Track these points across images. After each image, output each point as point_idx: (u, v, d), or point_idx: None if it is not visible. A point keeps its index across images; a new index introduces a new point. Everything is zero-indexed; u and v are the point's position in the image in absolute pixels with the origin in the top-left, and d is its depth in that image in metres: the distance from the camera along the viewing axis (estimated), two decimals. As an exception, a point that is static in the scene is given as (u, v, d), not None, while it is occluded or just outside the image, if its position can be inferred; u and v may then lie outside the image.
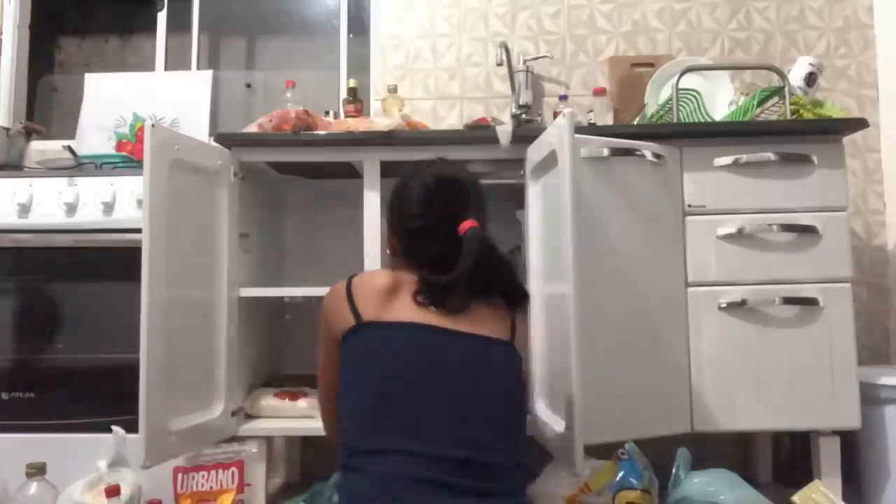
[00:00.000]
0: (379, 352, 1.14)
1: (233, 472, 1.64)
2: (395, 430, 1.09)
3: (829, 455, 1.66)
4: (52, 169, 2.00)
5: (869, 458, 1.78)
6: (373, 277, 1.23)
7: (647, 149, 1.63)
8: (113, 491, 1.61)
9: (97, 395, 1.84)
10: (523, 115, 2.29)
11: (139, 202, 1.84)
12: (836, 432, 1.67)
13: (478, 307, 1.21)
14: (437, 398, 1.10)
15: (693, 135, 1.73)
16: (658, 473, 1.59)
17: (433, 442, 1.07)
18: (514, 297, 1.27)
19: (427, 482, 1.05)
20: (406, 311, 1.17)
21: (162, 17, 2.59)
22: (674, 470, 1.57)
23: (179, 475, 1.62)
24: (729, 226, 1.68)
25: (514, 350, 1.22)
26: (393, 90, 2.26)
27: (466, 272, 1.16)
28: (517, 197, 1.82)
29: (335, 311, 1.21)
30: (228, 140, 1.80)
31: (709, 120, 1.90)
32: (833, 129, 1.72)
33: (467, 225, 1.21)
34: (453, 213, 1.23)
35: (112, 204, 1.87)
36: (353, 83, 2.26)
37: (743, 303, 1.66)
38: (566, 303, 1.35)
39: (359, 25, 2.54)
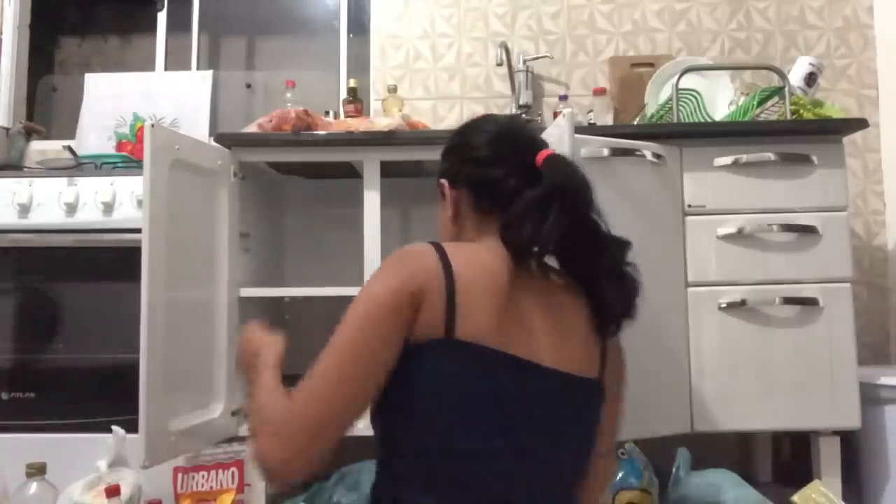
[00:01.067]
0: (481, 388, 0.85)
1: (233, 472, 1.64)
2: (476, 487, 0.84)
3: (829, 455, 1.66)
4: (52, 169, 2.00)
5: (869, 458, 1.78)
6: (484, 267, 0.88)
7: (647, 149, 1.63)
8: (113, 491, 1.61)
9: (97, 395, 1.84)
10: (523, 115, 2.28)
11: (139, 202, 1.84)
12: (836, 432, 1.67)
13: (567, 308, 0.92)
14: (522, 449, 0.87)
15: (693, 135, 1.73)
16: (658, 473, 1.59)
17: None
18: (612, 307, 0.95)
19: None
20: (521, 343, 0.87)
21: (162, 17, 2.59)
22: (674, 469, 1.57)
23: (179, 475, 1.62)
24: (729, 226, 1.68)
25: (600, 389, 0.95)
26: (393, 90, 2.26)
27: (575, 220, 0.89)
28: (517, 197, 1.81)
29: (422, 300, 0.84)
30: (228, 140, 1.80)
31: (709, 120, 1.90)
32: (833, 129, 1.72)
33: (545, 153, 0.96)
34: (532, 145, 0.99)
35: (112, 204, 1.87)
36: (353, 83, 2.26)
37: (743, 303, 1.66)
38: (566, 303, 1.35)
39: (359, 25, 2.54)
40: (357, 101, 2.24)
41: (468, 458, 0.83)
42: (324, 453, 0.84)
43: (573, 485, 0.96)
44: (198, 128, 2.35)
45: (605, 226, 0.97)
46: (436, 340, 0.83)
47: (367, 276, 1.56)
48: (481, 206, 0.98)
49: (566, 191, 0.92)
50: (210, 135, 2.30)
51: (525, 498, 0.87)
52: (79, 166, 1.97)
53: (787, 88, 1.80)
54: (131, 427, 1.58)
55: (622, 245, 0.97)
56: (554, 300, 0.93)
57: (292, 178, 2.21)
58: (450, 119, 2.39)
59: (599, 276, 0.94)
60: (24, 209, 1.87)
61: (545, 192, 0.90)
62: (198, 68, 2.56)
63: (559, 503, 0.92)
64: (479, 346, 0.83)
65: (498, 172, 0.96)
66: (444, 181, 1.04)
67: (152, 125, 1.49)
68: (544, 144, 1.00)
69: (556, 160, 0.95)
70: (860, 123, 1.73)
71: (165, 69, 2.56)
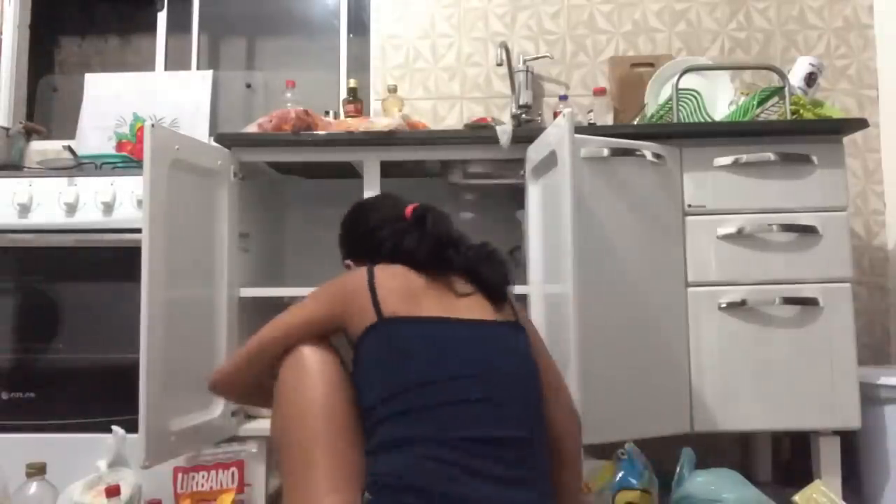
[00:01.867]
0: (405, 347, 1.10)
1: (233, 472, 1.64)
2: (425, 419, 1.05)
3: (829, 455, 1.66)
4: (52, 169, 1.99)
5: (869, 458, 1.78)
6: (393, 272, 1.19)
7: (647, 149, 1.63)
8: (113, 491, 1.61)
9: (97, 395, 1.84)
10: (523, 115, 2.29)
11: (139, 202, 1.84)
12: (836, 432, 1.67)
13: (477, 294, 1.20)
14: (461, 386, 1.08)
15: (693, 135, 1.73)
16: (658, 473, 1.59)
17: (461, 427, 1.05)
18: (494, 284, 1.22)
19: (455, 466, 1.02)
20: (426, 304, 1.15)
21: (162, 17, 2.59)
22: (678, 469, 1.57)
23: (179, 475, 1.62)
24: (729, 226, 1.68)
25: (522, 330, 1.21)
26: (393, 90, 2.26)
27: (436, 235, 1.20)
28: (517, 197, 1.82)
29: (355, 298, 1.15)
30: (228, 140, 1.80)
31: (709, 120, 1.90)
32: (833, 129, 1.72)
33: (411, 207, 1.27)
34: (401, 211, 1.29)
35: (112, 204, 1.87)
36: (353, 83, 2.26)
37: (743, 303, 1.66)
38: (566, 303, 1.36)
39: (359, 25, 2.54)
40: (357, 101, 2.24)
41: (418, 389, 1.07)
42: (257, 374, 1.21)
43: (532, 416, 1.13)
44: (198, 128, 2.35)
45: (465, 237, 1.28)
46: (372, 325, 1.12)
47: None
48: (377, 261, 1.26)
49: (429, 221, 1.24)
50: (210, 135, 2.30)
51: (476, 414, 1.06)
52: (79, 166, 1.97)
53: (787, 88, 1.80)
54: (131, 427, 1.58)
55: (482, 244, 1.26)
56: (453, 287, 1.20)
57: (292, 178, 2.21)
58: (450, 119, 2.40)
59: (474, 264, 1.22)
60: (24, 209, 1.87)
61: (418, 228, 1.24)
62: (198, 68, 2.56)
63: (514, 421, 1.09)
64: (401, 316, 1.13)
65: (384, 234, 1.27)
66: (349, 261, 1.39)
67: (152, 125, 1.49)
68: (408, 203, 1.31)
69: (419, 209, 1.27)
70: (860, 123, 1.73)
71: (165, 69, 2.56)
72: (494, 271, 1.22)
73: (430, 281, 1.18)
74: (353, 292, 1.16)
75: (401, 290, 1.15)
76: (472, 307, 1.17)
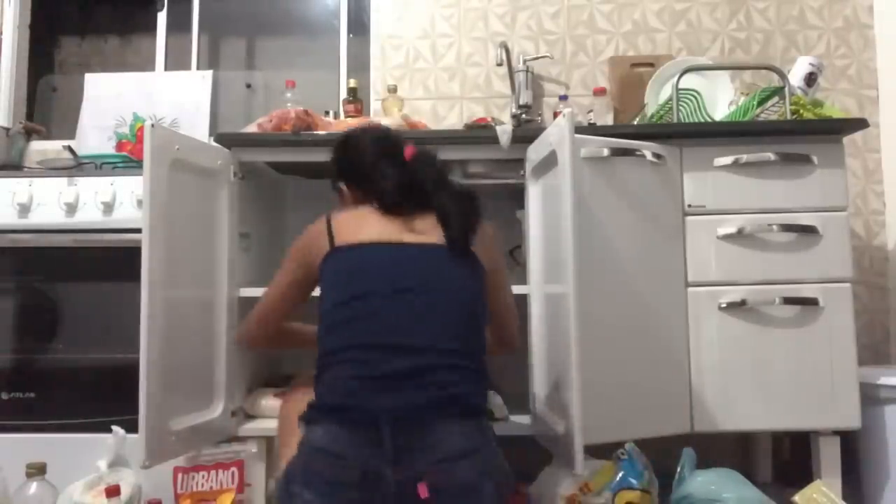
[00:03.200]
0: (351, 267, 1.26)
1: (233, 472, 1.64)
2: (362, 332, 1.19)
3: (829, 455, 1.66)
4: (52, 169, 1.99)
5: (869, 458, 1.78)
6: (351, 214, 1.35)
7: (647, 149, 1.63)
8: (113, 491, 1.61)
9: (97, 395, 1.84)
10: (523, 115, 2.29)
11: (139, 202, 1.84)
12: (836, 432, 1.67)
13: (433, 221, 1.31)
14: (399, 303, 1.21)
15: (693, 135, 1.73)
16: (658, 473, 1.59)
17: (395, 338, 1.18)
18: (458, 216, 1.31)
19: (383, 378, 1.15)
20: (374, 232, 1.29)
21: (162, 17, 2.59)
22: (678, 469, 1.57)
23: (179, 475, 1.62)
24: (729, 226, 1.68)
25: (472, 258, 1.30)
26: (393, 90, 2.26)
27: (421, 182, 1.32)
28: (517, 197, 1.82)
29: (315, 239, 1.32)
30: (228, 140, 1.80)
31: (709, 120, 1.90)
32: (833, 129, 1.72)
33: (411, 150, 1.38)
34: (399, 148, 1.39)
35: (112, 204, 1.87)
36: (353, 83, 2.27)
37: (743, 303, 1.66)
38: (566, 303, 1.36)
39: (359, 25, 2.54)
40: (357, 101, 2.25)
41: (353, 297, 1.22)
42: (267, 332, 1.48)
43: (469, 327, 1.26)
44: (198, 128, 2.35)
45: (451, 182, 1.38)
46: (328, 253, 1.29)
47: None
48: (366, 195, 1.39)
49: (420, 169, 1.35)
50: (210, 135, 2.30)
51: (405, 327, 1.19)
52: (79, 166, 1.97)
53: (787, 88, 1.80)
54: (131, 427, 1.58)
55: (462, 195, 1.34)
56: (413, 223, 1.31)
57: (292, 178, 2.21)
58: (450, 119, 2.40)
59: (444, 203, 1.31)
60: (24, 209, 1.87)
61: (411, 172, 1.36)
62: (198, 68, 2.56)
63: (445, 333, 1.21)
64: (348, 243, 1.28)
65: (383, 172, 1.36)
66: (342, 185, 1.47)
67: (152, 125, 1.49)
68: (407, 142, 1.42)
69: (417, 155, 1.38)
70: (860, 123, 1.73)
71: (165, 69, 2.56)
72: (462, 222, 1.29)
73: (391, 216, 1.30)
74: (315, 239, 1.32)
75: (355, 225, 1.30)
76: (422, 233, 1.28)
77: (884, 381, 1.70)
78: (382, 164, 1.36)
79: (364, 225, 1.30)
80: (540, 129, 1.64)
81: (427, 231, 1.28)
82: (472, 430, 1.15)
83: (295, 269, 1.39)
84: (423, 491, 1.07)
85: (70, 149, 2.06)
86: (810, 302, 1.65)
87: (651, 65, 2.26)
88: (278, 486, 1.18)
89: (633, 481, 1.52)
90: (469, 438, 1.13)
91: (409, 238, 1.27)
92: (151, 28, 2.59)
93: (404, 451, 1.09)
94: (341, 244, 1.28)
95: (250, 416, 1.80)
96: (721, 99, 2.00)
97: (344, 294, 1.24)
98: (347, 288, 1.24)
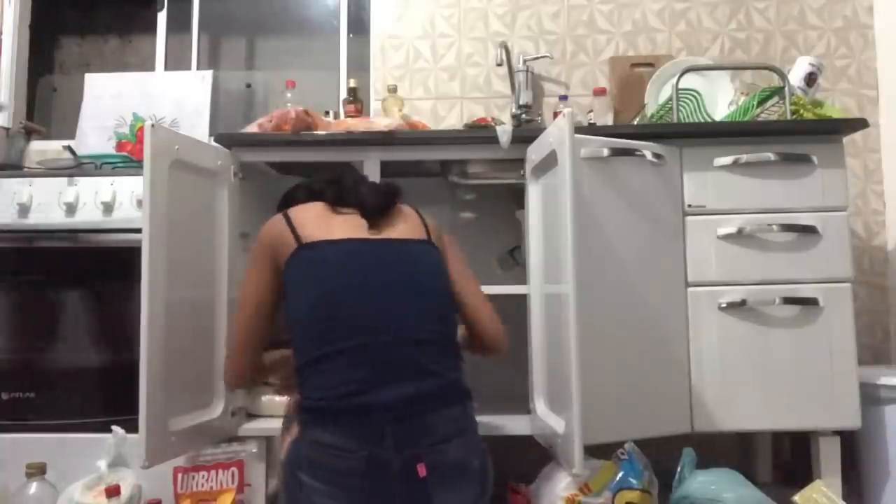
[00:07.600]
0: (326, 264, 1.28)
1: (233, 472, 1.64)
2: (348, 328, 1.22)
3: (829, 455, 1.66)
4: (52, 169, 2.00)
5: (869, 458, 1.78)
6: (305, 207, 1.38)
7: (647, 149, 1.63)
8: (113, 491, 1.61)
9: (97, 395, 1.84)
10: (523, 115, 2.28)
11: (139, 202, 1.84)
12: (836, 432, 1.67)
13: (392, 220, 1.37)
14: (377, 297, 1.25)
15: (693, 135, 1.73)
16: (658, 473, 1.59)
17: (382, 333, 1.22)
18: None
19: (378, 373, 1.19)
20: (340, 229, 1.33)
21: (162, 17, 2.59)
22: (679, 468, 1.57)
23: (179, 475, 1.62)
24: (729, 226, 1.68)
25: (433, 246, 1.38)
26: (393, 90, 2.26)
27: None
28: (517, 197, 1.82)
29: (279, 238, 1.32)
30: (228, 140, 1.80)
31: (709, 120, 1.90)
32: (833, 129, 1.72)
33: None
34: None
35: (112, 204, 1.87)
36: (353, 83, 2.26)
37: (743, 303, 1.66)
38: (566, 303, 1.36)
39: (359, 25, 2.54)
40: (357, 101, 2.24)
41: (331, 294, 1.25)
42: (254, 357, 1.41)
43: (446, 313, 1.34)
44: (198, 128, 2.35)
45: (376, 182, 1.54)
46: (295, 250, 1.29)
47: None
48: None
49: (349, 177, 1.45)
50: (210, 135, 2.30)
51: (391, 319, 1.24)
52: (79, 166, 1.97)
53: (787, 88, 1.79)
54: (131, 427, 1.58)
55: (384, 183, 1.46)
56: (359, 219, 1.36)
57: (292, 178, 2.21)
58: (450, 119, 2.40)
59: (364, 197, 1.37)
60: (24, 209, 1.87)
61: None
62: (198, 68, 2.56)
63: (428, 321, 1.26)
64: (317, 240, 1.30)
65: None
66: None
67: (152, 125, 1.49)
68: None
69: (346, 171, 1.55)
70: (860, 123, 1.73)
71: (165, 69, 2.56)
72: (377, 198, 1.37)
73: (341, 214, 1.36)
74: (277, 237, 1.32)
75: (315, 219, 1.33)
76: (380, 230, 1.34)
77: (884, 381, 1.70)
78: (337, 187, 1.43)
79: (331, 222, 1.33)
80: (540, 129, 1.64)
81: (384, 229, 1.34)
82: (460, 414, 1.25)
83: (267, 272, 1.34)
84: (421, 470, 1.17)
85: (70, 149, 2.06)
86: (810, 302, 1.65)
87: (651, 65, 2.26)
88: (283, 468, 1.23)
89: (633, 481, 1.52)
90: (458, 421, 1.24)
91: (371, 234, 1.33)
92: (151, 28, 2.59)
93: (404, 440, 1.17)
94: (308, 241, 1.29)
95: (250, 416, 1.80)
96: (721, 99, 2.00)
97: (320, 292, 1.25)
98: (324, 285, 1.25)
